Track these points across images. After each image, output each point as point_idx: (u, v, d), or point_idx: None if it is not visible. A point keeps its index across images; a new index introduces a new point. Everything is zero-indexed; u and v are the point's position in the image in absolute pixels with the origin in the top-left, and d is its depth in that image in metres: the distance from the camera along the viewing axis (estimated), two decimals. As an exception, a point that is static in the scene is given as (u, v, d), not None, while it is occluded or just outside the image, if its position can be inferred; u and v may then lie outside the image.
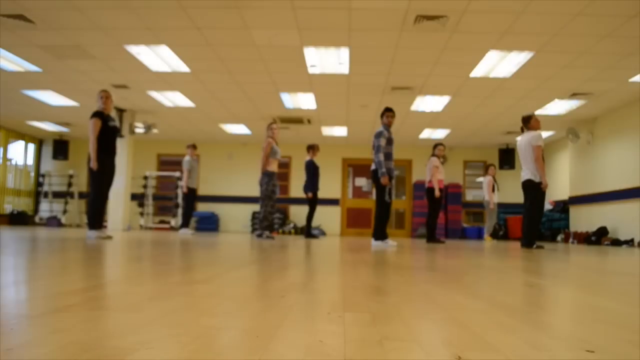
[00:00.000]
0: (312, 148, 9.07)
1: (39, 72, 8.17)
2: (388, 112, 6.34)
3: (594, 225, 9.96)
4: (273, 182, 7.63)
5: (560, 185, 12.26)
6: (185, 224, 9.65)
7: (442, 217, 12.36)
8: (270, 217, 7.81)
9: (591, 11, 5.41)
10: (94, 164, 5.67)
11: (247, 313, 1.28)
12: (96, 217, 5.84)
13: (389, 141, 6.20)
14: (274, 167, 7.66)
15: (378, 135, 6.18)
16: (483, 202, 10.46)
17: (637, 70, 7.26)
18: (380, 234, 6.12)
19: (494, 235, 10.58)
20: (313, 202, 8.99)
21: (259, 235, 7.65)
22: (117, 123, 6.11)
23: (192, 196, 9.78)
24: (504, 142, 13.04)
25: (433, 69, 7.48)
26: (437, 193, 8.10)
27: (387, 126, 6.29)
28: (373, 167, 6.25)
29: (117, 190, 10.32)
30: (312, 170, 8.96)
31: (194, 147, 9.83)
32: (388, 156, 6.18)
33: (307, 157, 9.09)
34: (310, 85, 8.53)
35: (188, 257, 3.29)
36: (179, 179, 12.30)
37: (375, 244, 6.08)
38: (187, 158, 9.68)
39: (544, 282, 2.32)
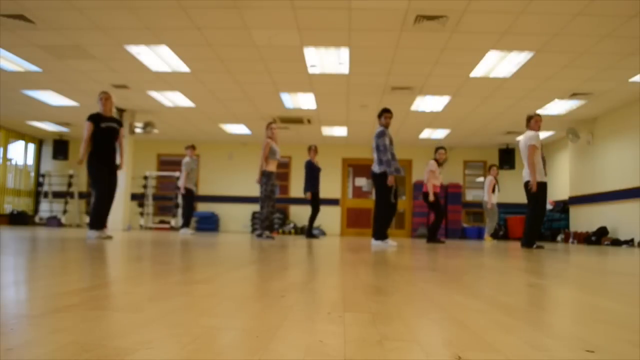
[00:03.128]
0: (310, 149, 9.11)
1: (39, 72, 8.17)
2: (387, 113, 6.32)
3: (594, 225, 9.96)
4: (272, 182, 7.63)
5: (560, 185, 12.26)
6: (185, 224, 9.68)
7: (442, 217, 12.33)
8: (271, 217, 7.81)
9: (591, 11, 5.42)
10: (80, 161, 5.76)
11: (247, 313, 1.28)
12: (97, 218, 5.85)
13: (390, 141, 6.20)
14: (272, 167, 7.66)
15: (381, 134, 6.15)
16: (482, 202, 10.44)
17: (637, 70, 7.26)
18: (380, 234, 6.12)
19: (494, 235, 10.58)
20: (316, 203, 8.98)
21: (259, 235, 7.65)
22: (115, 124, 5.87)
23: (191, 196, 9.81)
24: (504, 142, 13.04)
25: (433, 69, 7.48)
26: (431, 197, 8.06)
27: (386, 127, 6.29)
28: (373, 167, 6.24)
29: (117, 190, 10.31)
30: (311, 171, 8.97)
31: (193, 147, 9.88)
32: (392, 155, 6.18)
33: (308, 158, 9.12)
34: (310, 85, 8.52)
35: (188, 257, 3.29)
36: (179, 179, 12.31)
37: (375, 244, 6.07)
38: (186, 159, 9.73)
39: (544, 282, 2.32)
